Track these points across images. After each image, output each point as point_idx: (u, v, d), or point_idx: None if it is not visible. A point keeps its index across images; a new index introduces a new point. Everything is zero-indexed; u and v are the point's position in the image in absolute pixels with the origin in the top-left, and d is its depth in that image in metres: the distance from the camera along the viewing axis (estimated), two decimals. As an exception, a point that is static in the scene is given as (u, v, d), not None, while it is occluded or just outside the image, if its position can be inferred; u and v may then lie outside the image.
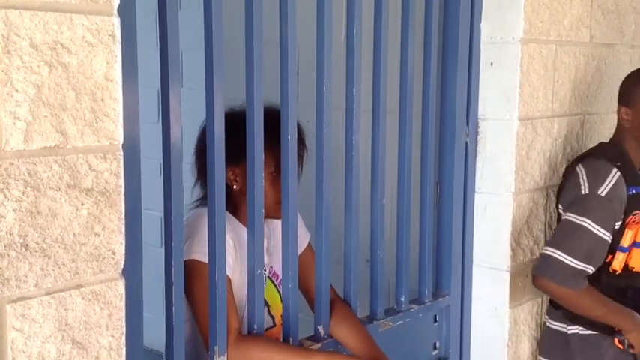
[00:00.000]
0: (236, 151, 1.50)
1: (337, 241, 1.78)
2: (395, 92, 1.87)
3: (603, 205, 1.91)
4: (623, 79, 2.11)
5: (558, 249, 1.92)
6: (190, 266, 1.49)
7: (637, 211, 1.96)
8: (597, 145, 2.13)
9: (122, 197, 1.21)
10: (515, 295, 2.13)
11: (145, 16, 1.61)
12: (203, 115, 1.44)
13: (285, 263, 1.62)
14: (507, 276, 2.10)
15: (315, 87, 1.64)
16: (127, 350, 1.25)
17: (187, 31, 1.39)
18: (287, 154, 1.57)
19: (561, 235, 1.96)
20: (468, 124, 2.07)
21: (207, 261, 1.52)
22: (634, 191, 1.95)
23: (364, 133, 1.75)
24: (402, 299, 1.95)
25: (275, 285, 1.75)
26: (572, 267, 1.91)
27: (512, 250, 2.10)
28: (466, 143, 2.07)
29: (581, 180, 1.97)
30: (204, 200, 1.68)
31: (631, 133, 2.02)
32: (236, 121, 1.51)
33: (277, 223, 1.67)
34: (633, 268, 1.99)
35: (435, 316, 2.07)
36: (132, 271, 1.25)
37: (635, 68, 2.50)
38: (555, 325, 2.11)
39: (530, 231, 2.17)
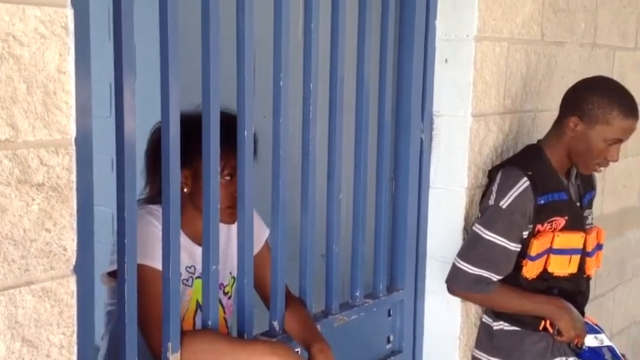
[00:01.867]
0: (187, 153, 1.48)
1: (293, 236, 1.78)
2: (351, 88, 1.87)
3: (504, 218, 1.92)
4: (574, 81, 2.09)
5: (461, 259, 1.96)
6: None
7: (555, 218, 1.97)
8: (522, 149, 2.12)
9: (74, 192, 1.18)
10: (468, 288, 2.17)
11: (99, 9, 1.57)
12: (157, 109, 1.42)
13: (241, 260, 1.62)
14: (460, 270, 2.13)
15: (272, 83, 1.63)
16: (78, 348, 1.22)
17: (141, 25, 1.36)
18: (243, 149, 1.56)
19: (466, 245, 2.00)
20: (423, 120, 2.09)
21: (148, 264, 1.51)
22: (546, 200, 1.95)
23: (321, 128, 1.76)
24: (357, 294, 1.96)
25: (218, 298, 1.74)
26: (474, 274, 1.93)
27: (465, 244, 2.14)
28: (421, 139, 2.10)
29: (493, 188, 1.97)
30: (144, 201, 1.66)
31: (569, 144, 1.98)
32: (187, 124, 1.49)
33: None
34: (554, 272, 2.00)
35: (389, 310, 2.09)
36: (84, 268, 1.23)
37: (584, 66, 2.57)
38: (485, 319, 2.14)
39: (483, 226, 2.20)
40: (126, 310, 1.38)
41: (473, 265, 1.94)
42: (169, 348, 1.47)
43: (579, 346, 2.03)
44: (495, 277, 1.95)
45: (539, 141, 2.11)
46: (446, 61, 2.08)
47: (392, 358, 2.09)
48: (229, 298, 1.78)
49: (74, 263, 1.20)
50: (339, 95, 1.79)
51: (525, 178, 1.94)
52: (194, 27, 1.51)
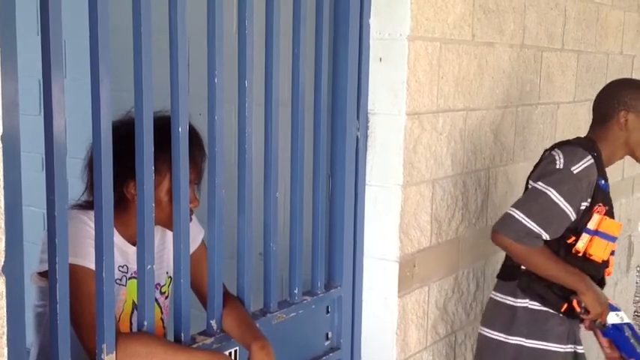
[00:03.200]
0: (132, 163, 1.47)
1: (230, 235, 1.77)
2: (287, 85, 1.88)
3: (572, 181, 2.03)
4: (504, 80, 2.23)
5: (519, 209, 2.05)
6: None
7: (600, 204, 2.09)
8: (575, 138, 2.23)
9: (1, 191, 1.14)
10: (404, 284, 2.20)
11: (26, 2, 1.53)
12: (87, 107, 1.39)
13: (177, 259, 1.60)
14: (396, 266, 2.17)
15: (206, 79, 1.62)
16: (8, 351, 1.18)
17: (69, 18, 1.33)
18: (178, 147, 1.55)
19: (524, 198, 2.10)
20: (358, 118, 2.11)
21: (81, 264, 1.48)
22: (600, 183, 2.08)
23: (256, 126, 1.75)
24: (296, 291, 1.97)
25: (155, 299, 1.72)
26: (527, 227, 2.03)
27: (401, 241, 2.17)
28: (357, 137, 2.12)
29: (557, 157, 2.09)
30: (80, 206, 1.63)
31: (627, 140, 2.14)
32: (129, 133, 1.47)
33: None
34: (591, 255, 2.09)
35: (328, 307, 2.10)
36: (13, 269, 1.18)
37: (513, 66, 2.65)
38: (502, 297, 2.21)
39: (418, 222, 2.24)
40: (58, 311, 1.35)
41: (529, 218, 2.02)
42: (104, 349, 1.44)
43: (603, 323, 2.11)
44: (544, 236, 2.04)
45: (586, 137, 2.21)
46: (380, 59, 2.11)
47: (331, 354, 2.10)
48: (166, 297, 1.76)
49: (2, 264, 1.16)
50: (274, 92, 1.80)
51: (590, 156, 2.07)
52: (125, 23, 1.49)
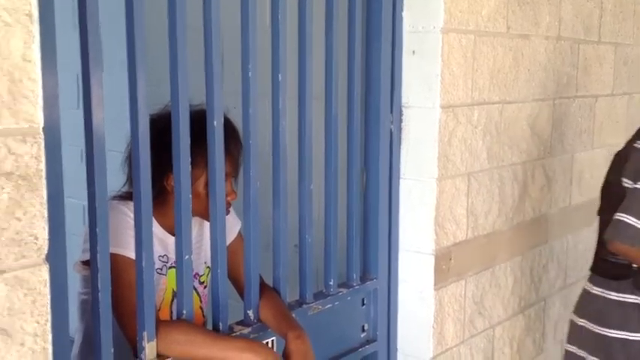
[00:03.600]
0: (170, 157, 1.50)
1: (266, 227, 1.80)
2: (320, 78, 1.89)
3: None
4: (540, 73, 2.19)
5: (627, 213, 2.02)
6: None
7: None
8: None
9: (43, 181, 1.18)
10: (440, 277, 2.20)
11: None
12: (124, 100, 1.43)
13: (214, 250, 1.63)
14: (432, 259, 2.17)
15: (240, 73, 1.65)
16: (53, 337, 1.23)
17: (105, 13, 1.36)
18: (213, 140, 1.58)
19: (630, 201, 2.06)
20: (392, 111, 2.12)
21: (122, 253, 1.52)
22: None
23: (291, 119, 1.77)
24: (331, 283, 1.98)
25: (194, 287, 1.75)
26: None
27: (436, 234, 2.17)
28: (391, 130, 2.12)
29: None
30: (122, 196, 1.67)
31: None
32: (166, 127, 1.51)
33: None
34: None
35: (363, 299, 2.11)
36: (56, 257, 1.23)
37: (549, 59, 2.62)
38: (598, 290, 2.20)
39: (453, 216, 2.24)
40: (99, 299, 1.39)
41: (638, 219, 1.99)
42: (145, 337, 1.47)
43: None
44: None
45: None
46: (413, 52, 2.11)
47: (367, 346, 2.11)
48: (205, 287, 1.79)
49: (46, 252, 1.20)
50: (308, 85, 1.81)
51: None
52: (161, 18, 1.52)
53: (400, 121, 2.15)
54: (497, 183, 2.43)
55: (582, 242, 3.05)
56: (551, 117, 2.70)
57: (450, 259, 2.24)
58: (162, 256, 1.69)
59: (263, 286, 1.77)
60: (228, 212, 1.65)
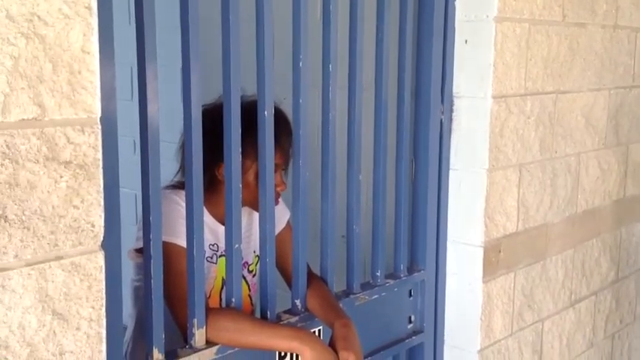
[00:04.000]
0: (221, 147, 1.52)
1: (313, 217, 1.81)
2: (371, 69, 1.89)
3: None
4: (596, 63, 2.13)
5: None
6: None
7: None
8: None
9: (100, 170, 1.21)
10: (489, 270, 2.18)
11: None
12: (175, 92, 1.45)
13: (263, 239, 1.65)
14: (481, 251, 2.15)
15: (291, 64, 1.66)
16: (107, 321, 1.26)
17: (158, 6, 1.38)
18: (264, 129, 1.59)
19: None
20: (442, 101, 2.10)
21: (174, 241, 1.54)
22: None
23: (340, 109, 1.77)
24: (378, 274, 1.98)
25: (243, 276, 1.77)
26: None
27: (486, 226, 2.14)
28: (441, 120, 2.10)
29: None
30: (173, 187, 1.70)
31: None
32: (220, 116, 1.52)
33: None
34: None
35: (410, 290, 2.10)
36: (111, 244, 1.26)
37: (605, 48, 2.55)
38: None
39: (504, 207, 2.21)
40: (152, 287, 1.42)
41: None
42: (195, 324, 1.50)
43: None
44: None
45: None
46: (466, 42, 2.08)
47: (413, 337, 2.11)
48: (254, 276, 1.81)
49: (102, 239, 1.23)
50: (358, 76, 1.81)
51: None
52: (214, 9, 1.53)
53: (451, 111, 2.13)
54: (549, 174, 2.39)
55: (636, 235, 2.98)
56: (606, 107, 2.64)
57: (500, 252, 2.21)
58: (213, 245, 1.72)
59: (311, 275, 1.78)
60: (277, 203, 1.66)
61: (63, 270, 1.19)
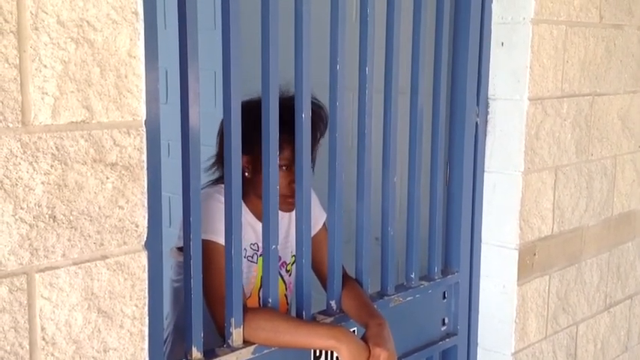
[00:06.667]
0: (249, 140, 1.54)
1: (348, 219, 1.82)
2: (407, 72, 1.89)
3: None
4: (633, 65, 2.12)
5: None
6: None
7: None
8: None
9: (144, 172, 1.24)
10: (524, 272, 2.17)
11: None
12: (214, 96, 1.47)
13: (299, 241, 1.66)
14: (516, 254, 2.14)
15: (328, 66, 1.67)
16: (149, 320, 1.29)
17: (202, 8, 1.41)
18: (301, 131, 1.60)
19: None
20: (478, 103, 2.09)
21: (214, 240, 1.56)
22: None
23: (376, 112, 1.78)
24: (412, 276, 1.99)
25: (281, 275, 1.79)
26: None
27: (521, 228, 2.14)
28: (476, 123, 2.10)
29: None
30: (213, 182, 1.72)
31: None
32: (250, 111, 1.54)
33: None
34: None
35: (444, 292, 2.11)
36: (153, 244, 1.29)
37: (644, 49, 2.52)
38: None
39: (539, 210, 2.20)
40: (192, 287, 1.44)
41: None
42: (232, 323, 1.52)
43: None
44: None
45: None
46: (502, 44, 2.08)
47: (447, 339, 2.11)
48: (290, 275, 1.83)
49: (145, 239, 1.26)
50: (394, 79, 1.82)
51: None
52: (253, 15, 1.55)
53: (486, 113, 2.13)
54: (585, 177, 2.37)
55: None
56: (643, 109, 2.61)
57: (535, 254, 2.20)
58: (254, 244, 1.74)
59: (345, 277, 1.79)
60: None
61: (108, 269, 1.21)
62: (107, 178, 1.19)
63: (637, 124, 2.59)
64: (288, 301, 1.83)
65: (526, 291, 2.19)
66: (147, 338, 1.28)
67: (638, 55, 2.51)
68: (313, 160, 1.73)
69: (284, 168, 1.66)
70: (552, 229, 2.26)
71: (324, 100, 1.70)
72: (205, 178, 1.76)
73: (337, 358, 1.69)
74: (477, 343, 2.22)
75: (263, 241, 1.60)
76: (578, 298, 2.44)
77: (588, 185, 2.39)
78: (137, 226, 1.24)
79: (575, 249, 2.39)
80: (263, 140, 1.54)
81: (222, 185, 1.66)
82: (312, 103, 1.60)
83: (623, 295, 2.70)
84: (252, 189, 1.69)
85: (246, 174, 1.67)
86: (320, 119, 1.68)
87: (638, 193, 2.67)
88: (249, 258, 1.71)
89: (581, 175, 2.35)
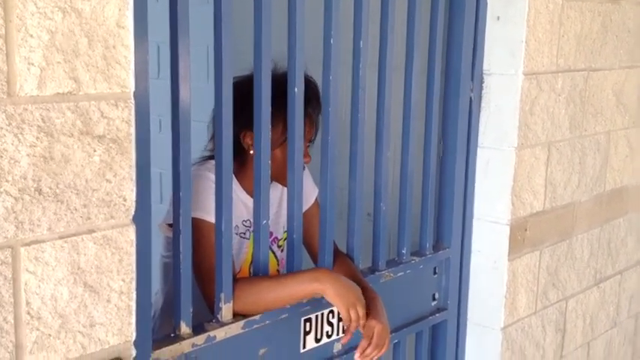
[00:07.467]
0: (250, 117, 1.52)
1: (340, 195, 1.80)
2: (401, 46, 1.86)
3: None
4: (629, 40, 2.09)
5: None
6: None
7: None
8: None
9: (133, 145, 1.22)
10: (515, 248, 2.17)
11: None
12: (202, 70, 1.45)
13: (290, 216, 1.65)
14: (507, 230, 2.14)
15: (322, 41, 1.64)
16: (136, 295, 1.27)
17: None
18: (294, 106, 1.58)
19: None
20: (472, 79, 2.07)
21: (204, 218, 1.54)
22: None
23: (370, 86, 1.76)
24: (404, 251, 1.98)
25: (273, 251, 1.78)
26: None
27: (513, 204, 2.13)
28: (470, 98, 2.08)
29: None
30: (206, 158, 1.70)
31: None
32: (249, 87, 1.51)
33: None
34: None
35: (435, 268, 2.10)
36: (142, 218, 1.27)
37: (638, 25, 2.50)
38: None
39: (531, 186, 2.19)
40: (180, 262, 1.43)
41: None
42: (222, 298, 1.51)
43: None
44: None
45: None
46: (498, 18, 2.05)
47: (437, 314, 2.11)
48: (282, 251, 1.82)
49: (133, 213, 1.24)
50: (388, 53, 1.79)
51: None
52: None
53: (481, 88, 2.10)
54: (578, 153, 2.36)
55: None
56: (638, 85, 2.59)
57: (526, 230, 2.20)
58: (246, 221, 1.72)
59: (337, 252, 1.79)
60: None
61: (95, 243, 1.20)
62: (94, 150, 1.17)
63: (631, 100, 2.57)
64: None
65: (517, 266, 2.19)
66: (134, 313, 1.27)
67: (635, 30, 2.49)
68: (312, 137, 1.71)
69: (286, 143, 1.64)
70: (544, 204, 2.26)
71: (318, 74, 1.67)
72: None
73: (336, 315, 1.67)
74: (466, 318, 2.22)
75: (253, 216, 1.58)
76: (568, 274, 2.45)
77: (581, 161, 2.38)
78: (125, 200, 1.22)
79: (567, 225, 2.39)
80: (255, 116, 1.51)
81: (211, 162, 1.64)
82: (305, 78, 1.58)
83: (613, 271, 2.71)
84: (249, 163, 1.67)
85: (251, 151, 1.65)
86: (314, 95, 1.66)
87: (630, 168, 2.66)
88: (242, 235, 1.70)
89: (574, 151, 2.34)
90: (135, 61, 1.19)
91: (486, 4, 2.04)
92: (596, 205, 2.50)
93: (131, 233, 1.24)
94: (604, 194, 2.54)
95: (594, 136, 2.42)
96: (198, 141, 1.62)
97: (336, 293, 1.50)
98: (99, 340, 1.23)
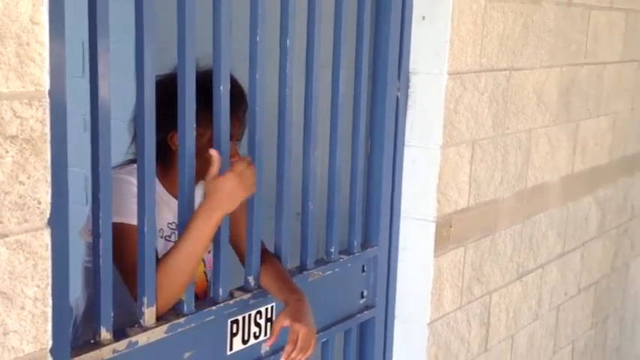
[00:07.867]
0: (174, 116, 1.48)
1: (269, 195, 1.78)
2: (328, 44, 1.86)
3: None
4: (550, 40, 2.15)
5: None
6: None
7: None
8: None
9: (48, 145, 1.17)
10: (440, 244, 2.20)
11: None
12: (126, 68, 1.41)
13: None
14: (433, 227, 2.17)
15: (248, 38, 1.62)
16: (53, 301, 1.22)
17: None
18: (219, 105, 1.55)
19: None
20: (399, 77, 2.09)
21: (126, 222, 1.51)
22: None
23: (297, 85, 1.75)
24: (332, 250, 1.99)
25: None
26: None
27: (439, 201, 2.16)
28: (397, 97, 2.10)
29: None
30: (126, 162, 1.66)
31: None
32: (172, 85, 1.48)
33: None
34: None
35: (363, 266, 2.12)
36: (58, 222, 1.22)
37: (559, 25, 2.58)
38: None
39: (456, 183, 2.23)
40: (100, 266, 1.39)
41: None
42: (145, 302, 1.48)
43: None
44: None
45: None
46: (423, 18, 2.07)
47: (365, 312, 2.13)
48: (209, 252, 1.79)
49: (48, 216, 1.19)
50: (315, 51, 1.78)
51: None
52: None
53: (407, 87, 2.13)
54: (501, 151, 2.42)
55: (582, 210, 3.06)
56: (557, 84, 2.68)
57: (451, 226, 2.24)
58: (171, 224, 1.68)
59: (264, 252, 1.77)
60: None
61: (7, 248, 1.14)
62: (6, 151, 1.11)
63: (552, 99, 2.65)
64: (208, 279, 1.80)
65: (442, 262, 2.23)
66: (50, 320, 1.22)
67: (555, 30, 2.57)
68: (239, 135, 1.69)
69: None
70: (468, 201, 2.30)
71: (244, 72, 1.65)
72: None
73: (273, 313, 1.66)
74: (394, 315, 2.25)
75: (178, 218, 1.55)
76: (492, 269, 2.51)
77: (504, 159, 2.44)
78: (39, 203, 1.17)
79: (490, 221, 2.45)
80: (179, 115, 1.48)
81: (134, 166, 1.60)
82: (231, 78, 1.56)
83: (535, 265, 2.79)
84: (174, 164, 1.63)
85: (174, 149, 1.61)
86: (239, 92, 1.64)
87: (550, 165, 2.75)
88: (167, 238, 1.66)
89: (497, 149, 2.39)
90: (50, 58, 1.14)
91: (412, 3, 2.06)
92: (518, 201, 2.57)
93: (46, 237, 1.19)
94: (525, 191, 2.61)
95: (516, 134, 2.49)
96: (119, 141, 1.57)
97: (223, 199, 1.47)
98: (13, 348, 1.17)
